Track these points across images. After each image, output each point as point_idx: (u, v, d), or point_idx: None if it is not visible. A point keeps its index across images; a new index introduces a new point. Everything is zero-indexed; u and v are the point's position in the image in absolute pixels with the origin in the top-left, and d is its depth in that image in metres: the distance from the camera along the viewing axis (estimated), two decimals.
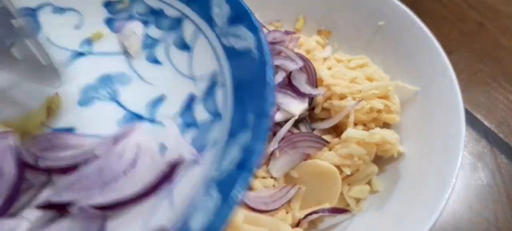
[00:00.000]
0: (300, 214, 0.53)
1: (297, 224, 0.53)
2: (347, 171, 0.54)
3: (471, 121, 0.71)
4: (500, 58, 0.78)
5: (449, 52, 0.78)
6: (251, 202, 0.51)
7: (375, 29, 0.67)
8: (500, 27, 0.82)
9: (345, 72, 0.60)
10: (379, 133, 0.54)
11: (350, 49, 0.68)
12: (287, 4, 0.72)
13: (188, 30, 0.47)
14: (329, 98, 0.58)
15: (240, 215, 0.50)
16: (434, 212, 0.47)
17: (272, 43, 0.60)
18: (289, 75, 0.56)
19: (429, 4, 0.86)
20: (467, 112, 0.71)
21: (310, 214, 0.53)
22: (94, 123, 0.45)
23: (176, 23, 0.48)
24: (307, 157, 0.54)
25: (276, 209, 0.51)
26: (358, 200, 0.56)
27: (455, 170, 0.49)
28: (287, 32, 0.63)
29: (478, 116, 0.71)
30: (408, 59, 0.63)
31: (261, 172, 0.54)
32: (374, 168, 0.56)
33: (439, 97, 0.57)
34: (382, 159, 0.58)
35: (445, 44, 0.79)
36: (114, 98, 0.46)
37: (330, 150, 0.55)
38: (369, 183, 0.57)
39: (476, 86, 0.75)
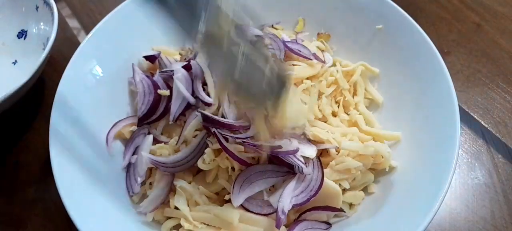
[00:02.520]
0: (294, 215, 0.54)
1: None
2: (346, 185, 0.55)
3: (469, 120, 0.71)
4: (498, 58, 0.79)
5: (447, 53, 0.79)
6: (247, 204, 0.52)
7: (374, 32, 0.68)
8: (498, 28, 0.83)
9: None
10: (373, 146, 0.55)
11: (349, 52, 0.69)
12: (287, 7, 0.73)
13: None
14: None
15: (235, 214, 0.51)
16: (430, 211, 0.48)
17: None
18: None
19: (427, 5, 0.87)
20: (465, 112, 0.72)
21: (304, 212, 0.54)
22: None
23: None
24: None
25: (270, 213, 0.52)
26: (351, 205, 0.56)
27: (450, 170, 0.50)
28: None
29: (475, 116, 0.72)
30: (405, 62, 0.64)
31: None
32: (371, 176, 0.57)
33: (435, 98, 0.58)
34: None
35: (443, 44, 0.80)
36: None
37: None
38: (364, 189, 0.57)
39: (473, 86, 0.75)
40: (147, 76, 0.62)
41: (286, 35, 0.68)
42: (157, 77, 0.62)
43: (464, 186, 0.64)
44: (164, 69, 0.63)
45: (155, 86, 0.61)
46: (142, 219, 0.55)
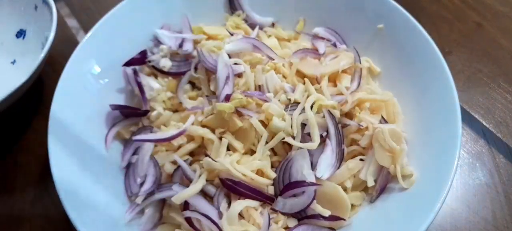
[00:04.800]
0: (292, 222, 0.54)
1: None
2: (348, 184, 0.55)
3: (470, 120, 0.71)
4: (499, 58, 0.79)
5: (448, 53, 0.79)
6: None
7: (375, 32, 0.67)
8: (499, 28, 0.83)
9: None
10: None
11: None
12: (287, 6, 0.73)
13: None
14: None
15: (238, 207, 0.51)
16: (431, 212, 0.47)
17: None
18: None
19: (428, 5, 0.87)
20: (466, 112, 0.72)
21: (306, 217, 0.53)
22: None
23: None
24: None
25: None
26: (352, 206, 0.56)
27: (451, 170, 0.50)
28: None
29: (477, 116, 0.72)
30: (406, 61, 0.64)
31: None
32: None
33: (437, 98, 0.58)
34: None
35: (444, 44, 0.79)
36: None
37: None
38: (364, 189, 0.57)
39: (475, 86, 0.75)
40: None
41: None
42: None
43: (465, 187, 0.64)
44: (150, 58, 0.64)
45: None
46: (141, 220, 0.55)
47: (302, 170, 0.53)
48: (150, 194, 0.55)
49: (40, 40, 0.75)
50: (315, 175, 0.53)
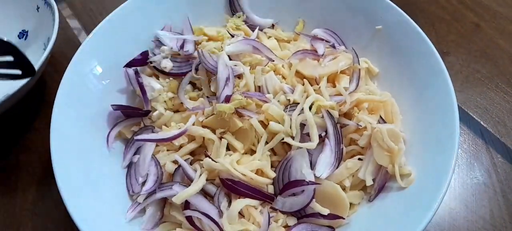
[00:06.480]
0: (292, 221, 0.54)
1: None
2: (347, 183, 0.56)
3: (468, 120, 0.72)
4: (497, 59, 0.79)
5: (446, 53, 0.80)
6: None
7: (373, 33, 0.68)
8: (497, 28, 0.83)
9: None
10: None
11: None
12: (287, 7, 0.73)
13: None
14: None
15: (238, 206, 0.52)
16: (429, 211, 0.48)
17: None
18: None
19: (426, 5, 0.87)
20: (464, 112, 0.72)
21: (305, 216, 0.54)
22: None
23: None
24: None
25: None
26: (351, 205, 0.56)
27: (449, 169, 0.50)
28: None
29: (475, 116, 0.72)
30: (404, 62, 0.64)
31: None
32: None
33: (435, 98, 0.58)
34: None
35: (442, 45, 0.80)
36: None
37: None
38: (363, 188, 0.58)
39: (473, 86, 0.76)
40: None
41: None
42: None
43: (463, 186, 0.65)
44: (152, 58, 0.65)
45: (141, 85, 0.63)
46: (142, 218, 0.56)
47: (301, 169, 0.53)
48: (152, 193, 0.56)
49: (42, 41, 0.76)
50: (314, 174, 0.53)
